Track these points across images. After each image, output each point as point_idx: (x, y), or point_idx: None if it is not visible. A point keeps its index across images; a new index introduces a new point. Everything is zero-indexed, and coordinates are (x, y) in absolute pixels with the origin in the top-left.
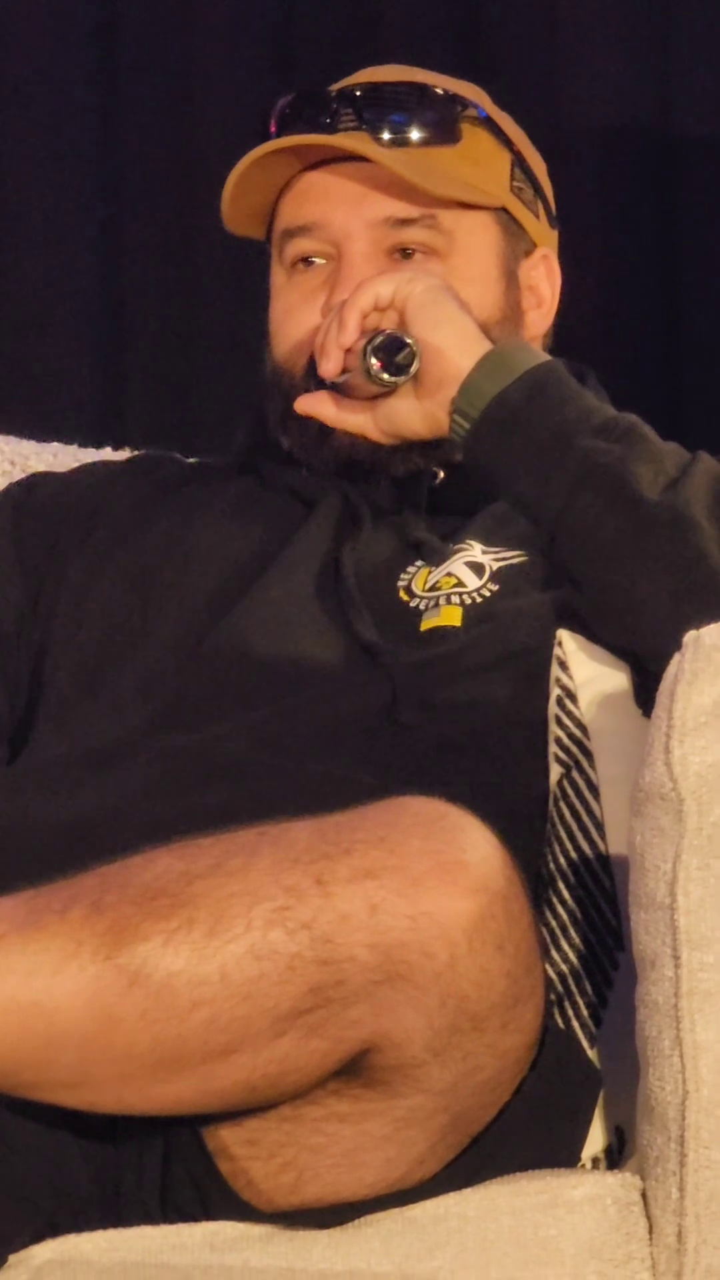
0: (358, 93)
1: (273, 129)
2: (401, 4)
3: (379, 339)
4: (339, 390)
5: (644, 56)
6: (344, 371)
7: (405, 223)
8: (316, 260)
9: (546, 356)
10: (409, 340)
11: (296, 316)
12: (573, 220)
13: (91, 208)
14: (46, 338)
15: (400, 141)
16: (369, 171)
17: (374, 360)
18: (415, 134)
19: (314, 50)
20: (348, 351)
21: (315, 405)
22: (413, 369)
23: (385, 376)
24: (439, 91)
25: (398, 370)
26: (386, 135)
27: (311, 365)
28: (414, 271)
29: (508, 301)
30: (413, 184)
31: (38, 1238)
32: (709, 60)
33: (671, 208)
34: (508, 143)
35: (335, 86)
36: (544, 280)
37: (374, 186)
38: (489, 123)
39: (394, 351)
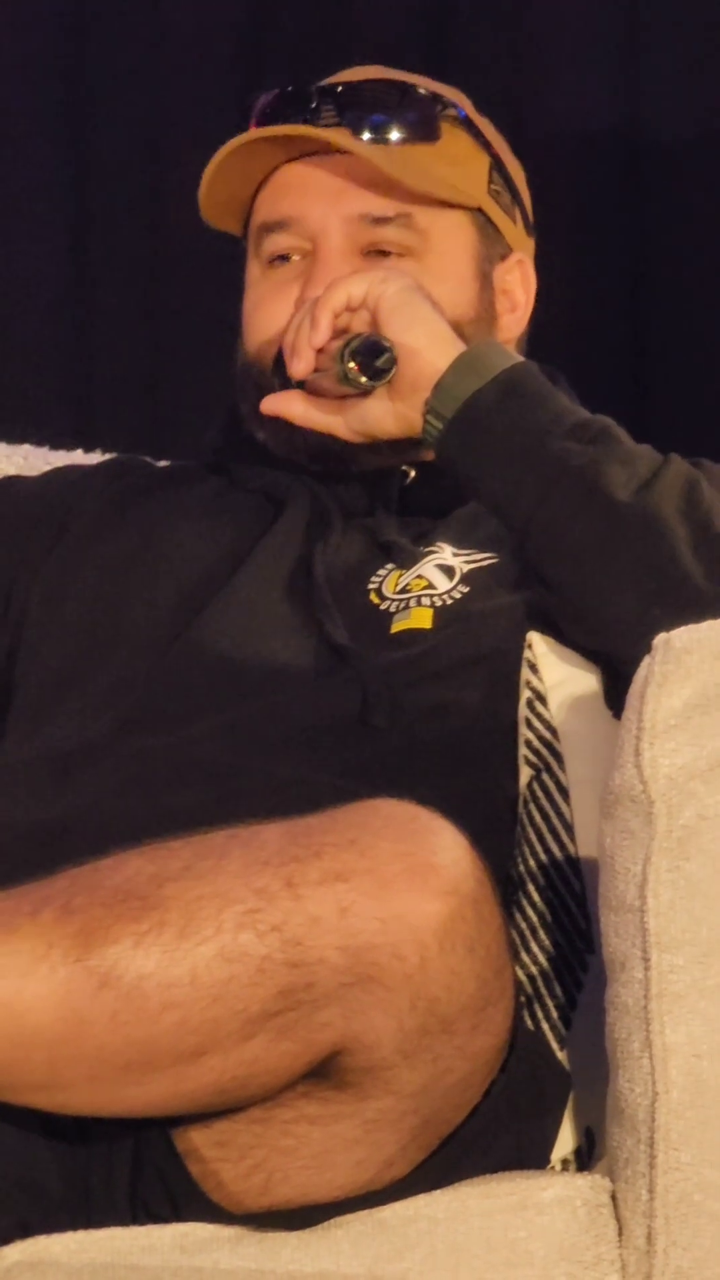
0: (339, 89)
1: (252, 123)
2: (371, 9)
3: (356, 342)
4: (308, 388)
5: (612, 62)
6: (315, 370)
7: (381, 220)
8: (292, 256)
9: (520, 358)
10: (388, 344)
11: (268, 310)
12: (541, 224)
13: (59, 208)
14: (15, 340)
15: (380, 138)
16: (347, 167)
17: (352, 364)
18: (395, 132)
19: (283, 53)
20: (319, 351)
21: (283, 405)
22: (391, 373)
23: (363, 380)
24: (420, 91)
25: (376, 374)
26: (366, 132)
27: (280, 362)
28: (386, 271)
29: (481, 303)
30: (390, 177)
31: (7, 1239)
32: (677, 67)
33: (640, 213)
34: (486, 145)
35: (316, 84)
36: (519, 285)
37: (352, 182)
38: (468, 124)
39: (373, 355)
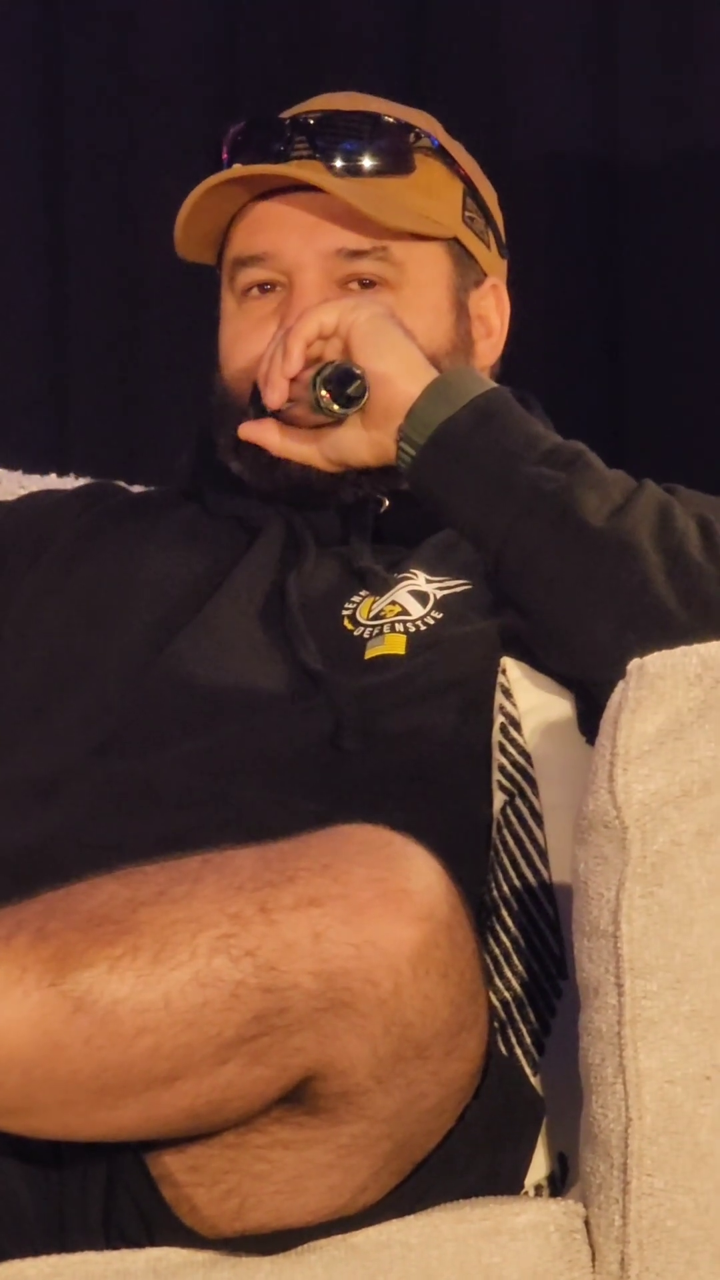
0: (311, 121)
1: (224, 156)
2: (346, 32)
3: (327, 370)
4: (283, 419)
5: (589, 84)
6: (289, 400)
7: (357, 254)
8: (268, 288)
9: (493, 384)
10: (359, 371)
11: (244, 343)
12: (516, 247)
13: (35, 233)
14: None
15: (353, 170)
16: (321, 201)
17: (323, 392)
18: (368, 163)
19: (258, 77)
20: (293, 381)
21: (259, 433)
22: (362, 401)
23: (335, 408)
24: (392, 121)
25: (348, 402)
26: (339, 164)
27: (256, 393)
28: (358, 300)
29: (458, 332)
30: (365, 215)
31: None
32: (653, 89)
33: (615, 237)
34: (460, 172)
35: (288, 113)
36: (493, 310)
37: (326, 217)
38: (442, 153)
39: (344, 383)
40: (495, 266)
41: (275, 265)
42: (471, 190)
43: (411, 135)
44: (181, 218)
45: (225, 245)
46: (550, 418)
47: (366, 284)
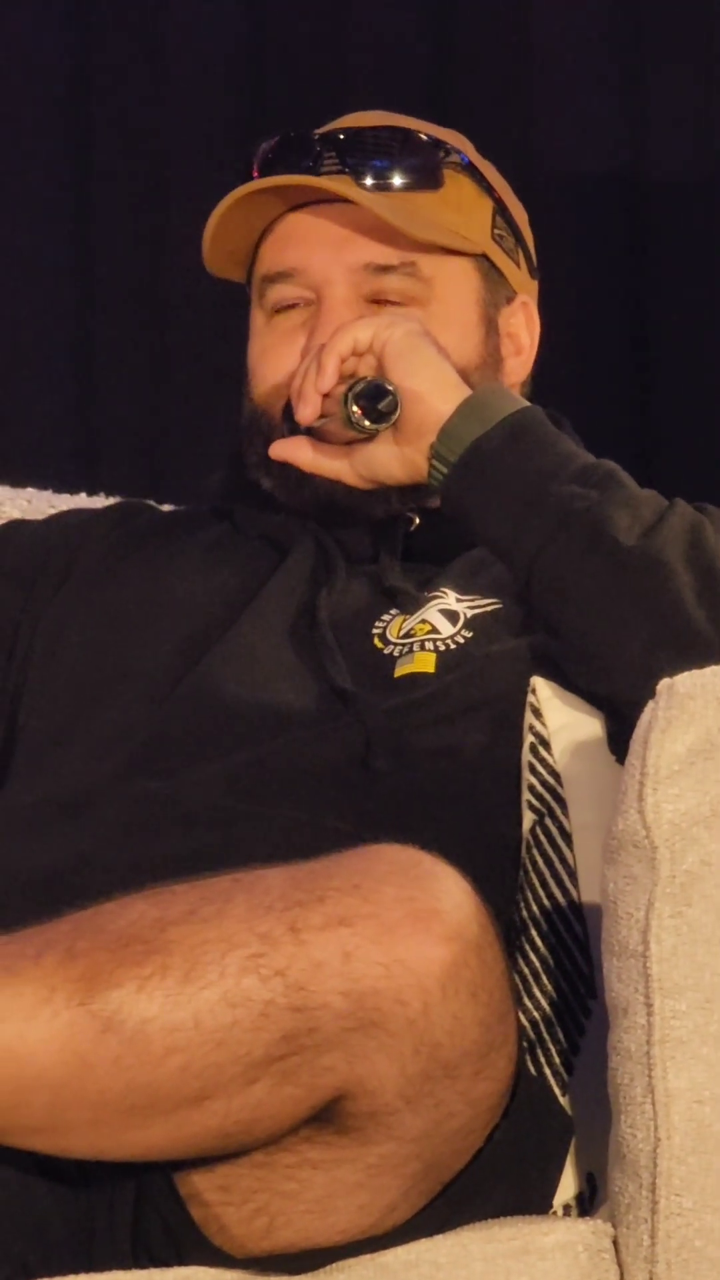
0: (341, 136)
1: (255, 172)
2: (372, 50)
3: (360, 386)
4: (315, 435)
5: (617, 102)
6: (321, 416)
7: (385, 269)
8: (297, 304)
9: (525, 402)
10: (391, 387)
11: (274, 359)
12: (545, 266)
13: (63, 253)
14: (20, 384)
15: (383, 186)
16: (351, 215)
17: (355, 407)
18: (398, 179)
19: (285, 94)
20: (326, 396)
21: (291, 451)
22: (394, 417)
23: (367, 423)
24: (422, 137)
25: (379, 417)
26: (369, 179)
27: (289, 409)
28: (392, 316)
29: (487, 348)
30: (395, 228)
31: None
32: (681, 107)
33: (644, 254)
34: (490, 190)
35: (319, 130)
36: (523, 328)
37: (356, 231)
38: (471, 169)
39: (376, 399)
40: (525, 285)
41: (303, 281)
42: (501, 209)
43: (441, 151)
44: (210, 230)
45: (254, 262)
46: (581, 436)
47: (395, 303)
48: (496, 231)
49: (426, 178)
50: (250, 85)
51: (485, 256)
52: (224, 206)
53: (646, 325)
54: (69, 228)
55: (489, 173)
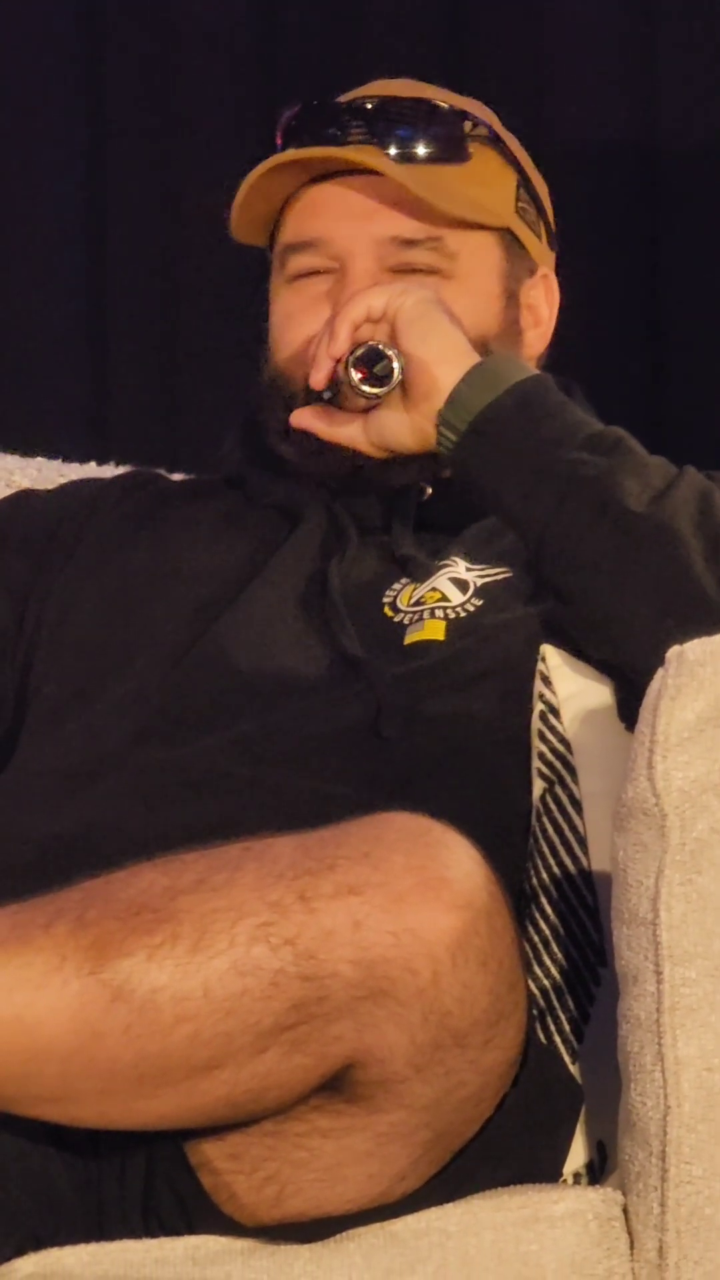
0: (368, 105)
1: (279, 139)
2: (387, 23)
3: (359, 351)
4: (333, 403)
5: (632, 76)
6: (332, 381)
7: (411, 243)
8: (319, 272)
9: (535, 370)
10: (390, 352)
11: (296, 324)
12: (560, 238)
13: (76, 222)
14: (31, 353)
15: (409, 157)
16: (376, 187)
17: (354, 372)
18: (424, 150)
19: (298, 67)
20: (338, 362)
21: (308, 420)
22: (394, 380)
23: (366, 389)
24: (449, 108)
25: (378, 381)
26: (395, 150)
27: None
28: (405, 284)
29: (507, 320)
30: (423, 201)
31: (20, 1251)
32: (697, 80)
33: (658, 225)
34: (514, 162)
35: (344, 98)
36: (543, 300)
37: (381, 203)
38: (497, 142)
39: (372, 363)
40: (545, 257)
41: (327, 251)
42: (525, 181)
43: (467, 123)
44: (238, 201)
45: (278, 229)
46: (593, 404)
47: (418, 273)
48: (520, 204)
49: (453, 151)
50: (264, 56)
51: (509, 230)
52: (253, 179)
53: (659, 294)
54: (81, 196)
55: (513, 145)
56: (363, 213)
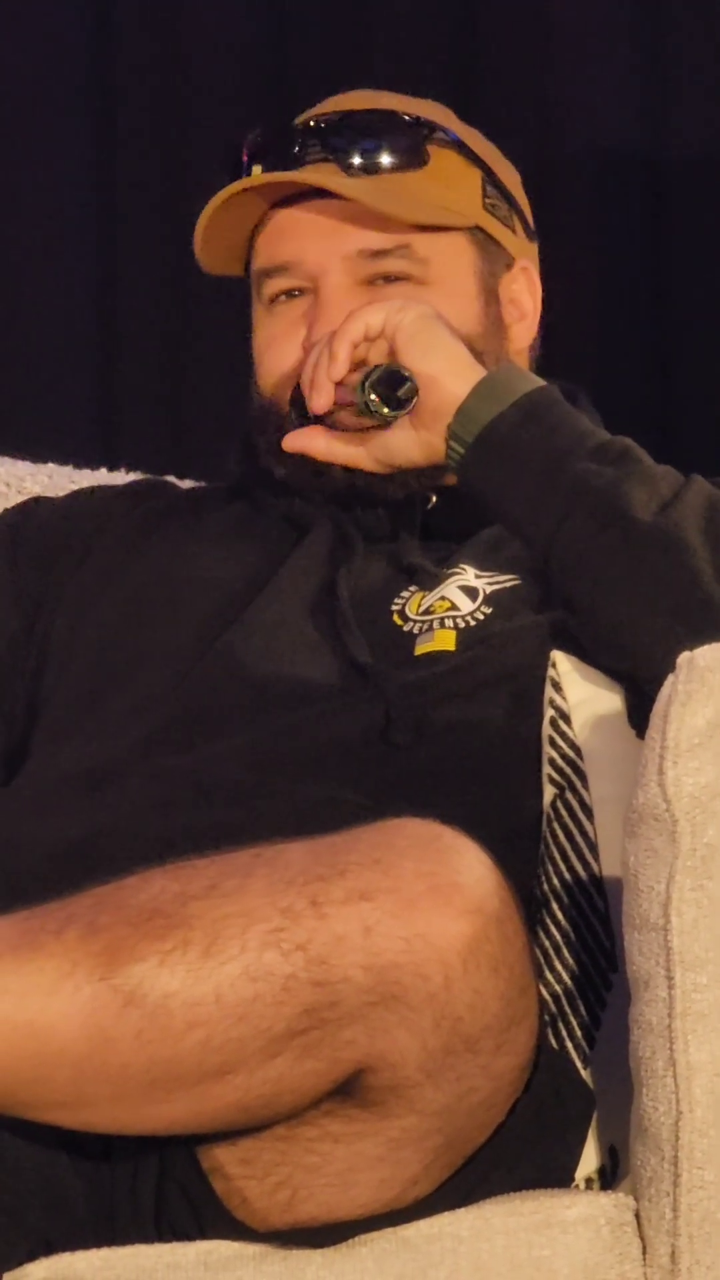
0: (322, 124)
1: (244, 159)
2: (394, 29)
3: (376, 373)
4: (328, 423)
5: (638, 78)
6: (335, 404)
7: (380, 254)
8: (295, 294)
9: (541, 381)
10: (408, 373)
11: (278, 349)
12: (566, 242)
13: (86, 230)
14: (41, 359)
15: (367, 169)
16: (340, 203)
17: (373, 395)
18: (381, 160)
19: (306, 77)
20: (338, 384)
21: (305, 441)
22: (413, 403)
23: (385, 411)
24: (404, 116)
25: (398, 404)
26: (353, 164)
27: (298, 399)
28: (402, 301)
29: (488, 318)
30: (380, 213)
31: (32, 1256)
32: (702, 82)
33: (665, 230)
34: (477, 160)
35: (301, 118)
36: (525, 292)
37: (346, 219)
38: (457, 143)
39: (394, 386)
40: (523, 250)
41: (299, 273)
42: (491, 177)
43: (424, 129)
44: (199, 234)
45: (250, 256)
46: (600, 412)
47: (392, 280)
48: (488, 200)
49: (411, 157)
50: (272, 60)
51: (479, 228)
52: (208, 211)
53: (666, 300)
54: (91, 203)
55: (475, 142)
56: (328, 231)
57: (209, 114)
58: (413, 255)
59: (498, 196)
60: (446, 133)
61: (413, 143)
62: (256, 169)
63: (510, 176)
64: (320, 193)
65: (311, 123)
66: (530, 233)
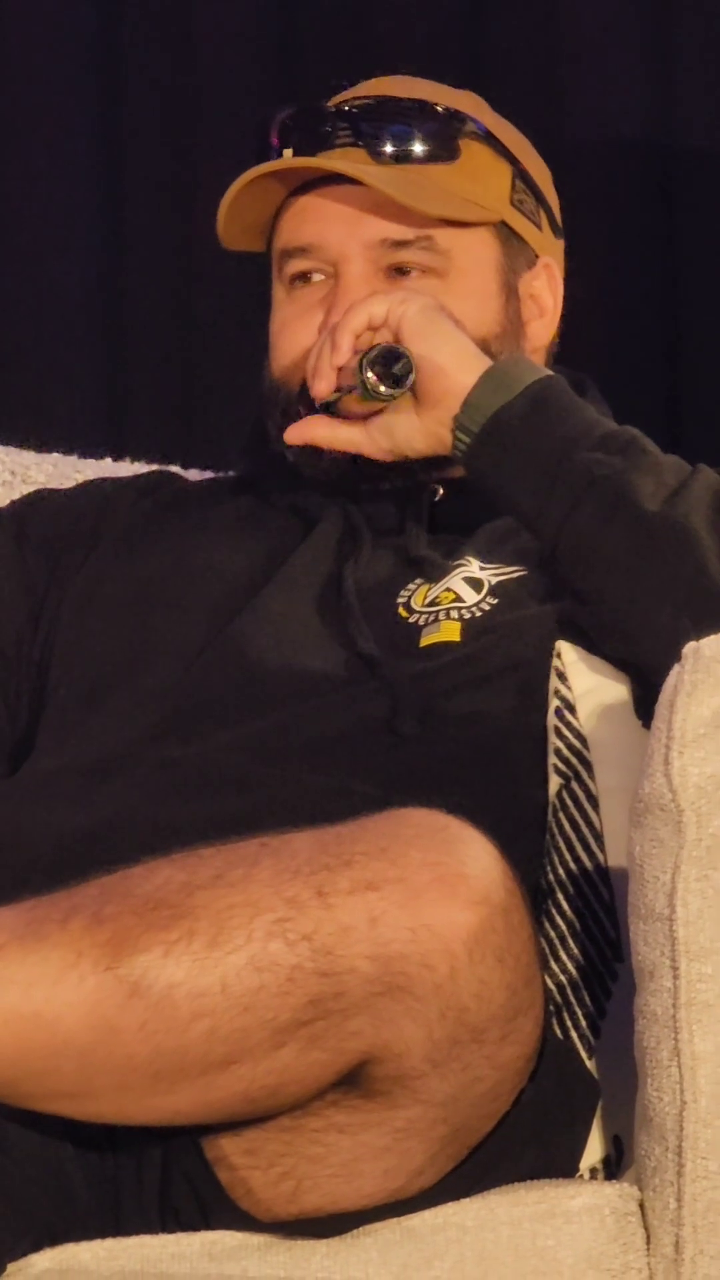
0: (355, 109)
1: (274, 141)
2: (404, 18)
3: (373, 352)
4: (332, 411)
5: (647, 69)
6: (337, 390)
7: (401, 244)
8: (315, 277)
9: (547, 371)
10: (405, 351)
11: (292, 332)
12: (574, 233)
13: (92, 219)
14: (46, 348)
15: (397, 158)
16: (365, 190)
17: (370, 374)
18: (411, 150)
19: (315, 65)
20: (340, 370)
21: (307, 431)
22: (410, 380)
23: (383, 389)
24: (437, 108)
25: (396, 382)
26: (382, 152)
27: (304, 388)
28: (406, 292)
29: (507, 315)
30: (404, 205)
31: (37, 1246)
32: (712, 73)
33: (673, 220)
34: (508, 155)
35: (334, 101)
36: (546, 290)
37: (370, 207)
38: (489, 137)
39: (390, 363)
40: (548, 246)
41: (320, 256)
42: (520, 172)
43: (456, 121)
44: (223, 211)
45: (273, 234)
46: (608, 401)
47: (408, 272)
48: (516, 196)
49: (442, 150)
50: (282, 45)
51: (504, 223)
52: (235, 189)
53: (674, 291)
54: (98, 189)
55: (507, 135)
56: (351, 218)
57: (218, 101)
58: (434, 247)
59: (526, 192)
60: (479, 126)
61: (444, 136)
62: (287, 152)
63: (541, 171)
64: (347, 177)
65: (343, 107)
66: (557, 229)
